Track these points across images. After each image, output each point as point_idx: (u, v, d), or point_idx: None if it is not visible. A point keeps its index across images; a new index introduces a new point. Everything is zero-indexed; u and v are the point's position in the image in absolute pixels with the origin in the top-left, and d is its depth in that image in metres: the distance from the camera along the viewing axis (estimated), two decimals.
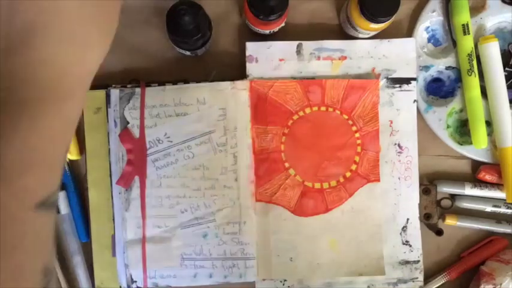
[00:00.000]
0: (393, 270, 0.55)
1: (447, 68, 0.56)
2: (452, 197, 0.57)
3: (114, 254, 0.54)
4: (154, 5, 0.56)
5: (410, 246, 0.55)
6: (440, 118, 0.56)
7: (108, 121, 0.54)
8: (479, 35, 0.56)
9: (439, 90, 0.57)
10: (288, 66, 0.54)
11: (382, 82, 0.55)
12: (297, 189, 0.55)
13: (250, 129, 0.54)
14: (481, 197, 0.56)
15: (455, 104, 0.56)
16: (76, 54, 0.31)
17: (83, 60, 0.32)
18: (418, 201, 0.55)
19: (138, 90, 0.53)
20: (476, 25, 0.56)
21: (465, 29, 0.54)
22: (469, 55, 0.54)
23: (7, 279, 0.28)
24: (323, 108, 0.55)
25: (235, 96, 0.53)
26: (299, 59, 0.55)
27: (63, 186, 0.55)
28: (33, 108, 0.30)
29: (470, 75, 0.54)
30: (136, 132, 0.53)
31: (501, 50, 0.54)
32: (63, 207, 0.55)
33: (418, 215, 0.55)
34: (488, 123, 0.55)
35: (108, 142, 0.54)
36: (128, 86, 0.54)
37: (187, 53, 0.54)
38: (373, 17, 0.50)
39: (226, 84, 0.53)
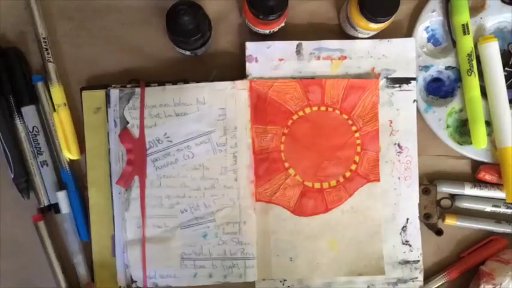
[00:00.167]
0: (393, 270, 0.55)
1: (447, 68, 0.56)
2: (452, 197, 0.57)
3: (114, 254, 0.54)
4: (155, 5, 0.56)
5: (410, 246, 0.55)
6: (440, 118, 0.56)
7: (108, 121, 0.54)
8: (479, 35, 0.56)
9: (438, 90, 0.57)
10: (288, 66, 0.55)
11: (382, 82, 0.55)
12: (296, 189, 0.55)
13: (250, 129, 0.54)
14: (481, 197, 0.56)
15: (455, 104, 0.56)
16: None
17: None
18: (417, 201, 0.55)
19: (138, 90, 0.53)
20: (476, 25, 0.56)
21: (465, 29, 0.54)
22: (469, 55, 0.54)
23: None
24: (323, 108, 0.55)
25: (235, 96, 0.53)
26: (299, 59, 0.55)
27: (64, 186, 0.55)
28: None
29: (470, 75, 0.54)
30: (136, 132, 0.53)
31: (501, 50, 0.54)
32: (64, 207, 0.54)
33: (417, 215, 0.55)
34: (488, 123, 0.55)
35: (108, 142, 0.54)
36: (128, 86, 0.54)
37: (187, 53, 0.54)
38: (372, 17, 0.50)
39: (226, 84, 0.53)
